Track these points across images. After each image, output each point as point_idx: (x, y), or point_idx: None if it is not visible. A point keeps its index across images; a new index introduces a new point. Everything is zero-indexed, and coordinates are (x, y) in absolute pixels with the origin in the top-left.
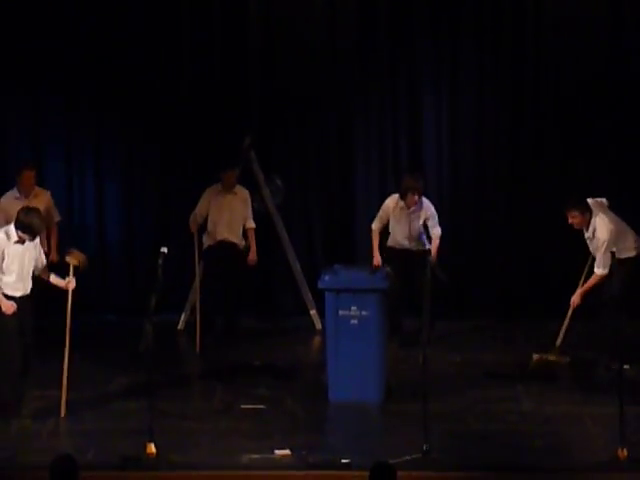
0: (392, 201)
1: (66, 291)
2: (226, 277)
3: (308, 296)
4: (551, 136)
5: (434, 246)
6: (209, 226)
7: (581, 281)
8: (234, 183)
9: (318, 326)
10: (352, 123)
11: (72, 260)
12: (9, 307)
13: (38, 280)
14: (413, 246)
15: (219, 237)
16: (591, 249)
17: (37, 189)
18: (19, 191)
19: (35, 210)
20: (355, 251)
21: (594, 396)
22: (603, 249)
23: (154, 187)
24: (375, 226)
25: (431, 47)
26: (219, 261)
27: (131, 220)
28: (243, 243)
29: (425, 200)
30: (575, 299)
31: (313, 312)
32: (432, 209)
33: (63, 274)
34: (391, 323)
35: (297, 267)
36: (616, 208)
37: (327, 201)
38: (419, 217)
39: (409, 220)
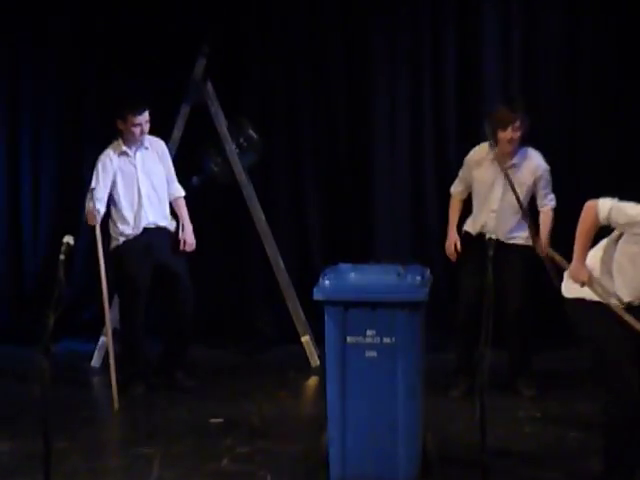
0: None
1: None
2: (163, 281)
3: (298, 314)
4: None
5: (544, 227)
6: (117, 211)
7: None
8: (143, 132)
9: (314, 361)
10: (366, 94)
11: None
12: None
13: None
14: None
15: (138, 224)
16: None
17: None
18: None
19: None
20: (372, 245)
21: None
22: None
23: None
24: (454, 189)
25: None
26: (144, 261)
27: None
28: (174, 224)
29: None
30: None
31: (306, 339)
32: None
33: None
34: (458, 355)
35: (281, 268)
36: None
37: (330, 172)
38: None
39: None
